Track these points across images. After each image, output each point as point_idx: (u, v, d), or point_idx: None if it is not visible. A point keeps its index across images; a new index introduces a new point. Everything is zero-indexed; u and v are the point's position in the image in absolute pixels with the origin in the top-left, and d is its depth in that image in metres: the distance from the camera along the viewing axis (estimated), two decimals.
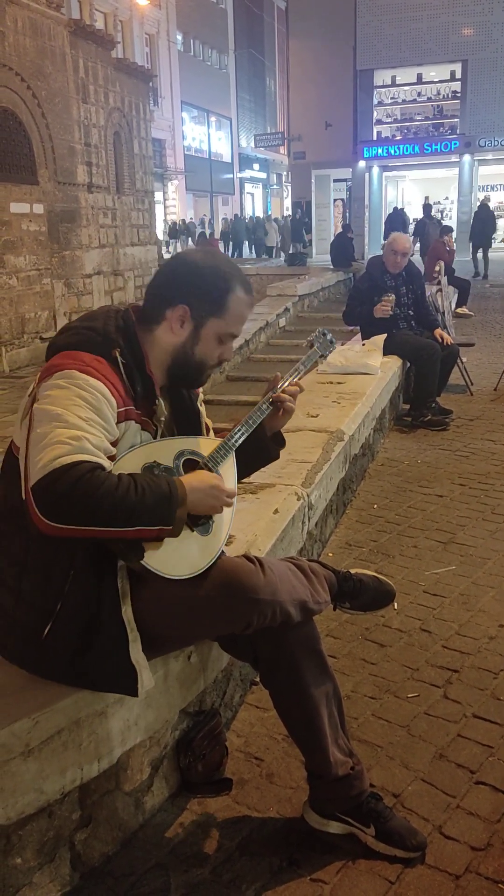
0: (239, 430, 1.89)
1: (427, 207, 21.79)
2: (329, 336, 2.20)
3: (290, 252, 24.10)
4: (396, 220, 20.47)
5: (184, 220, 31.34)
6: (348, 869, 1.82)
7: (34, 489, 1.52)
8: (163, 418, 1.80)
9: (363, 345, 5.77)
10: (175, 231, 29.31)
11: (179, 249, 26.83)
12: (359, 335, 6.15)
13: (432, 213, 21.31)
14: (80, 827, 1.79)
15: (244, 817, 1.98)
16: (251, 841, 1.91)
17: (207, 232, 30.52)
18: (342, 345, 5.88)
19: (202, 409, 1.99)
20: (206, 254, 1.86)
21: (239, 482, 1.97)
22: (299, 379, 2.05)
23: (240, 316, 1.83)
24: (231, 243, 29.37)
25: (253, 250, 29.28)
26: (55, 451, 1.52)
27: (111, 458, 1.63)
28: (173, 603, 1.73)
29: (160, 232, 24.93)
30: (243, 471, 2.01)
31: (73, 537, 1.56)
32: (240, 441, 1.89)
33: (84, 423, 1.58)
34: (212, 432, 2.02)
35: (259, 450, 2.02)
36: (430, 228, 18.69)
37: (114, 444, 1.65)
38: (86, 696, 1.73)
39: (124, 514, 1.54)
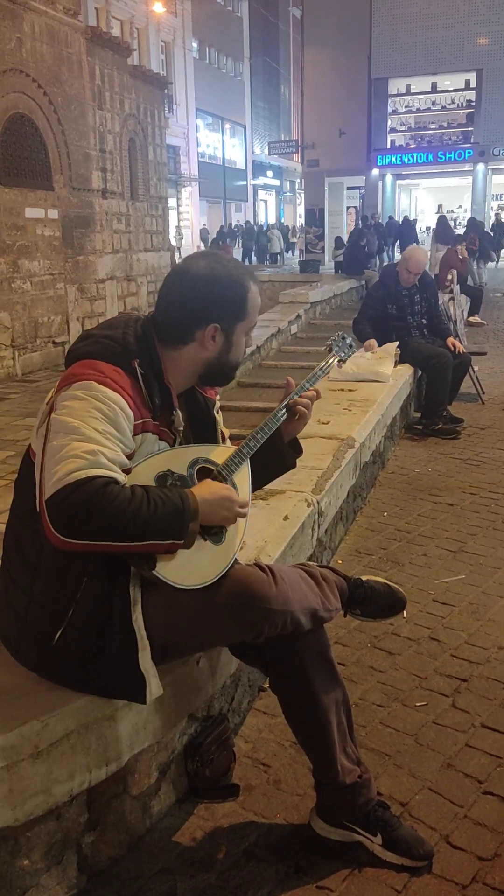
0: (254, 438, 1.88)
1: (364, 218, 23.32)
2: (348, 340, 2.19)
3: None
4: (406, 230, 20.62)
5: (232, 224, 32.30)
6: (355, 877, 1.82)
7: (48, 503, 1.52)
8: (181, 428, 1.80)
9: (374, 352, 5.77)
10: (223, 234, 29.78)
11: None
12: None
13: (369, 223, 22.60)
14: (87, 830, 1.80)
15: (251, 823, 1.99)
16: (258, 847, 1.91)
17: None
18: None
19: (219, 417, 1.99)
20: (212, 263, 1.81)
21: (253, 492, 1.96)
22: (317, 383, 2.05)
23: (256, 308, 1.86)
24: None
25: (254, 258, 29.36)
26: (70, 465, 1.52)
27: (127, 471, 1.63)
28: (185, 611, 1.73)
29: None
30: (259, 480, 2.00)
31: (86, 551, 1.57)
32: (255, 449, 1.88)
33: (100, 436, 1.58)
34: (228, 441, 2.02)
35: (275, 459, 2.02)
36: (367, 237, 19.32)
37: (130, 456, 1.66)
38: (95, 699, 1.74)
39: (136, 528, 1.54)
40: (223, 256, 1.87)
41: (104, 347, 1.71)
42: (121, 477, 1.59)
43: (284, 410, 1.96)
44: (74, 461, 1.53)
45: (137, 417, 1.67)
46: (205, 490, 1.68)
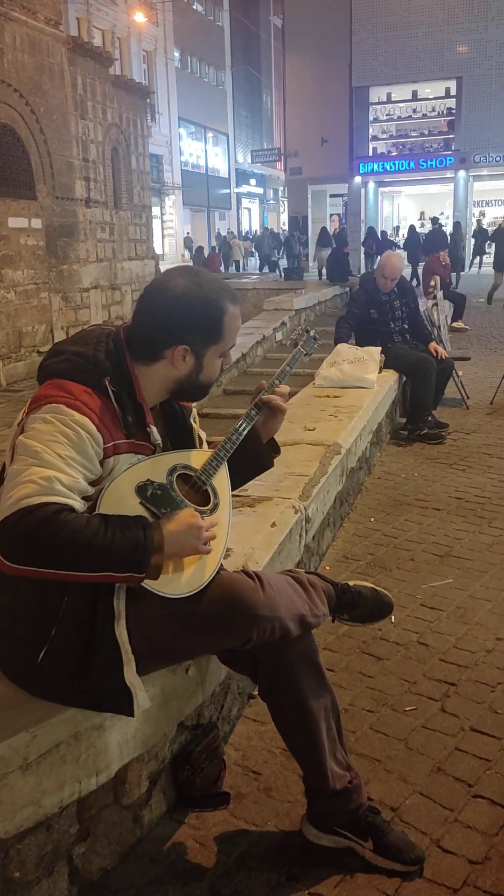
0: (229, 440, 1.89)
1: (295, 222, 23.89)
2: (312, 333, 2.20)
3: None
4: (426, 238, 20.74)
5: (267, 228, 32.72)
6: (346, 883, 1.82)
7: None
8: (158, 442, 1.79)
9: (355, 348, 5.72)
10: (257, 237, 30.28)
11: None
12: (352, 341, 6.15)
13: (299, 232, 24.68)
14: (78, 841, 1.79)
15: (242, 831, 1.98)
16: (249, 855, 1.90)
17: (207, 249, 30.71)
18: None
19: (195, 424, 1.98)
20: (189, 281, 1.77)
21: (234, 491, 1.97)
22: (286, 379, 2.06)
23: (235, 330, 1.83)
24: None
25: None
26: (23, 491, 1.51)
27: (88, 497, 1.62)
28: (172, 619, 1.72)
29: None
30: (239, 480, 2.01)
31: (36, 578, 1.54)
32: (231, 451, 1.88)
33: (61, 461, 1.57)
34: (206, 444, 2.02)
35: (254, 458, 2.03)
36: (294, 241, 20.00)
37: (95, 482, 1.64)
38: (84, 710, 1.73)
39: (90, 558, 1.52)
40: (204, 274, 1.82)
41: (74, 366, 1.68)
42: (77, 504, 1.57)
43: (256, 409, 1.97)
44: (28, 486, 1.52)
45: (108, 440, 1.65)
46: (171, 523, 1.64)
